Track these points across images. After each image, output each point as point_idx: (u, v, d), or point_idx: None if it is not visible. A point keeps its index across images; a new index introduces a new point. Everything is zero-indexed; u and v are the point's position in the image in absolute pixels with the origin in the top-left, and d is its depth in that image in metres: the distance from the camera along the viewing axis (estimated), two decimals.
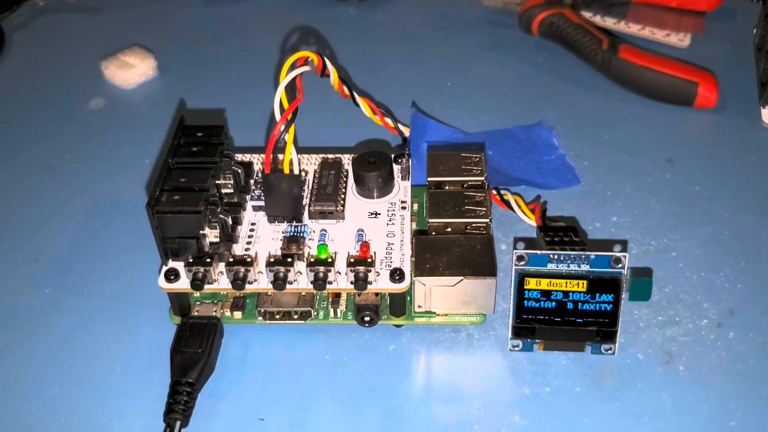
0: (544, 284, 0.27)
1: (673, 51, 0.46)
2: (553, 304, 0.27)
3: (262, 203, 0.30)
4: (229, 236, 0.29)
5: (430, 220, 0.30)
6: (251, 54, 0.46)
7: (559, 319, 0.28)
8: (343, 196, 0.31)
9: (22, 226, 0.33)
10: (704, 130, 0.40)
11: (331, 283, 0.27)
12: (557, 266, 0.27)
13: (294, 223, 0.30)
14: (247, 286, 0.27)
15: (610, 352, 0.28)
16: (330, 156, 0.33)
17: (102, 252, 0.33)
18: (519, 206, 0.33)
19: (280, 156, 0.28)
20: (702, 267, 0.32)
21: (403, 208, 0.31)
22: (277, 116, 0.27)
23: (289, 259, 0.27)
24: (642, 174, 0.37)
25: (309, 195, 0.31)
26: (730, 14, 0.49)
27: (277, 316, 0.29)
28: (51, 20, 0.50)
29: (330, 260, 0.27)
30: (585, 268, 0.27)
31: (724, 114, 0.41)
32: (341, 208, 0.30)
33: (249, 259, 0.27)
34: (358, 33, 0.49)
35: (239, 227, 0.30)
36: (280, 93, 0.27)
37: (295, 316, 0.29)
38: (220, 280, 0.28)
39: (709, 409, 0.27)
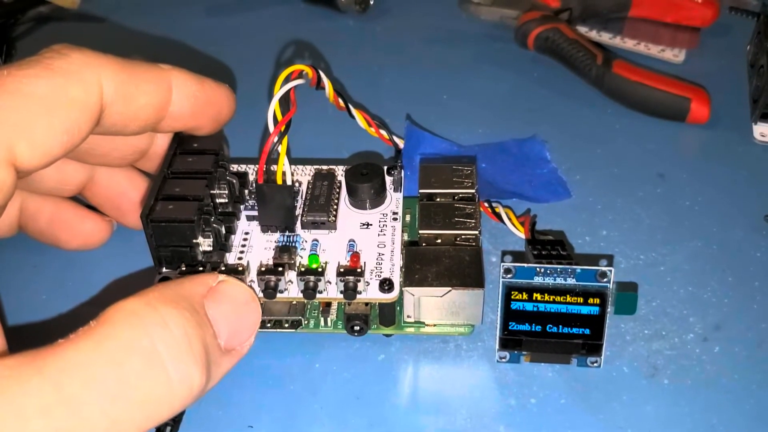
0: (531, 297, 0.28)
1: (667, 66, 0.46)
2: (540, 316, 0.28)
3: (255, 213, 0.31)
4: (222, 245, 0.29)
5: (421, 232, 0.30)
6: (251, 65, 0.47)
7: (545, 332, 0.28)
8: (335, 206, 0.31)
9: (21, 234, 0.33)
10: (696, 146, 0.41)
11: (321, 292, 0.28)
12: (544, 279, 0.27)
13: (287, 233, 0.30)
14: None
15: (595, 364, 0.28)
16: (324, 167, 0.33)
17: (98, 259, 0.34)
18: (509, 219, 0.33)
19: (274, 167, 0.29)
20: (689, 281, 0.32)
21: (395, 219, 0.31)
22: (271, 128, 0.28)
23: (281, 269, 0.28)
24: (633, 188, 0.37)
25: (302, 205, 0.31)
26: (724, 30, 0.50)
27: (268, 325, 0.29)
28: (54, 29, 0.51)
29: (320, 270, 0.28)
30: (571, 281, 0.27)
31: (716, 129, 0.41)
32: (333, 218, 0.30)
33: (240, 268, 0.28)
34: (356, 45, 0.50)
35: (233, 236, 0.30)
36: (274, 105, 0.28)
37: (286, 325, 0.29)
38: None
39: (693, 422, 0.27)
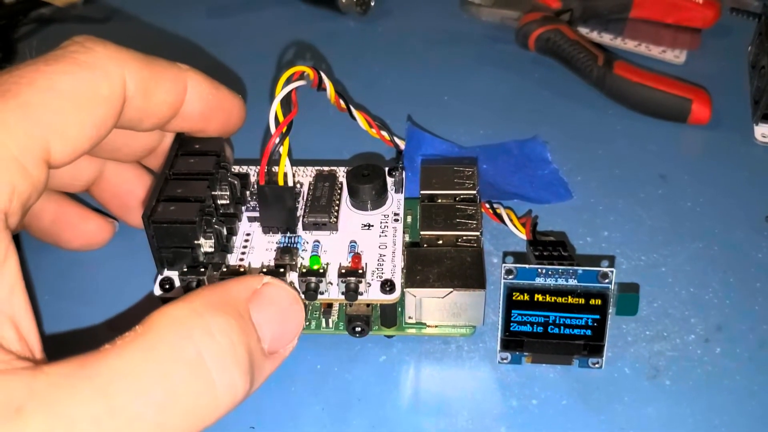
0: (533, 298, 0.28)
1: (668, 67, 0.46)
2: (541, 317, 0.28)
3: (257, 214, 0.31)
4: (223, 246, 0.29)
5: (422, 233, 0.30)
6: (252, 66, 0.47)
7: (547, 333, 0.28)
8: (336, 207, 0.31)
9: (23, 232, 0.33)
10: (697, 147, 0.41)
11: (322, 293, 0.28)
12: (545, 280, 0.27)
13: (288, 234, 0.30)
14: None
15: (597, 365, 0.28)
16: (325, 168, 0.33)
17: (100, 259, 0.34)
18: (511, 220, 0.33)
19: (275, 168, 0.29)
20: (691, 282, 0.32)
21: (396, 220, 0.31)
22: (272, 129, 0.28)
23: (282, 270, 0.28)
24: (634, 189, 0.37)
25: (303, 206, 0.31)
26: (726, 31, 0.50)
27: None
28: (57, 30, 0.51)
29: (322, 271, 0.28)
30: (573, 282, 0.27)
31: (718, 130, 0.41)
32: (335, 219, 0.30)
33: (242, 270, 0.28)
34: (357, 46, 0.50)
35: (234, 238, 0.30)
36: (276, 107, 0.28)
37: None
38: None
39: (694, 423, 0.27)
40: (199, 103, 0.29)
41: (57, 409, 0.18)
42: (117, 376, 0.19)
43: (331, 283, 0.28)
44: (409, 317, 0.29)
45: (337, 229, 0.30)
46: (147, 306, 0.30)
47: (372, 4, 0.52)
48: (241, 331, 0.22)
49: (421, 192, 0.32)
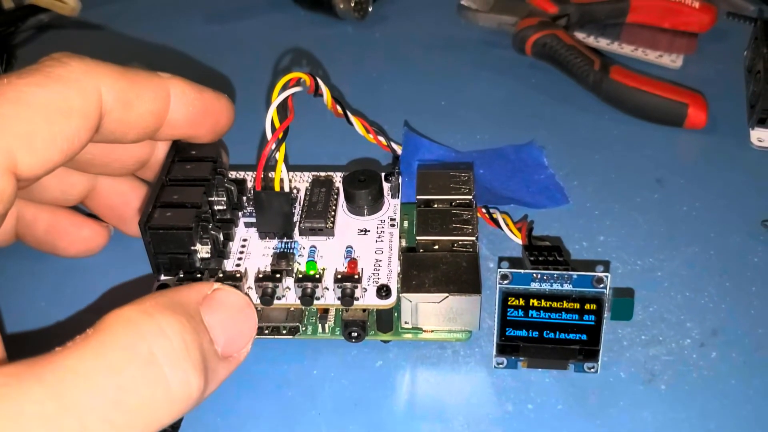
0: (528, 303, 0.28)
1: (665, 72, 0.47)
2: (537, 322, 0.28)
3: (253, 220, 0.31)
4: (220, 252, 0.29)
5: (418, 238, 0.30)
6: (250, 72, 0.47)
7: (542, 338, 0.28)
8: (333, 213, 0.31)
9: (19, 242, 0.34)
10: (694, 151, 0.41)
11: (318, 298, 0.28)
12: (540, 285, 0.27)
13: (284, 240, 0.30)
14: None
15: (592, 370, 0.28)
16: (321, 174, 0.33)
17: (96, 266, 0.34)
18: (507, 225, 0.33)
19: (272, 174, 0.29)
20: (687, 287, 0.32)
21: (392, 225, 0.31)
22: (269, 135, 0.28)
23: (278, 275, 0.28)
24: (631, 194, 0.38)
25: (300, 212, 0.31)
26: (722, 36, 0.50)
27: (266, 331, 0.29)
28: (54, 36, 0.51)
29: (318, 276, 0.28)
30: (568, 287, 0.27)
31: (714, 135, 0.41)
32: (331, 225, 0.31)
33: (238, 275, 0.28)
34: (354, 52, 0.50)
35: (231, 243, 0.30)
36: (272, 113, 0.28)
37: (284, 331, 0.29)
38: None
39: (690, 427, 0.27)
40: (185, 110, 0.29)
41: (4, 407, 0.18)
42: (68, 375, 0.19)
43: (328, 289, 0.28)
44: (405, 322, 0.29)
45: (333, 235, 0.31)
46: None
47: (369, 9, 0.52)
48: (192, 331, 0.22)
49: (418, 197, 0.32)
